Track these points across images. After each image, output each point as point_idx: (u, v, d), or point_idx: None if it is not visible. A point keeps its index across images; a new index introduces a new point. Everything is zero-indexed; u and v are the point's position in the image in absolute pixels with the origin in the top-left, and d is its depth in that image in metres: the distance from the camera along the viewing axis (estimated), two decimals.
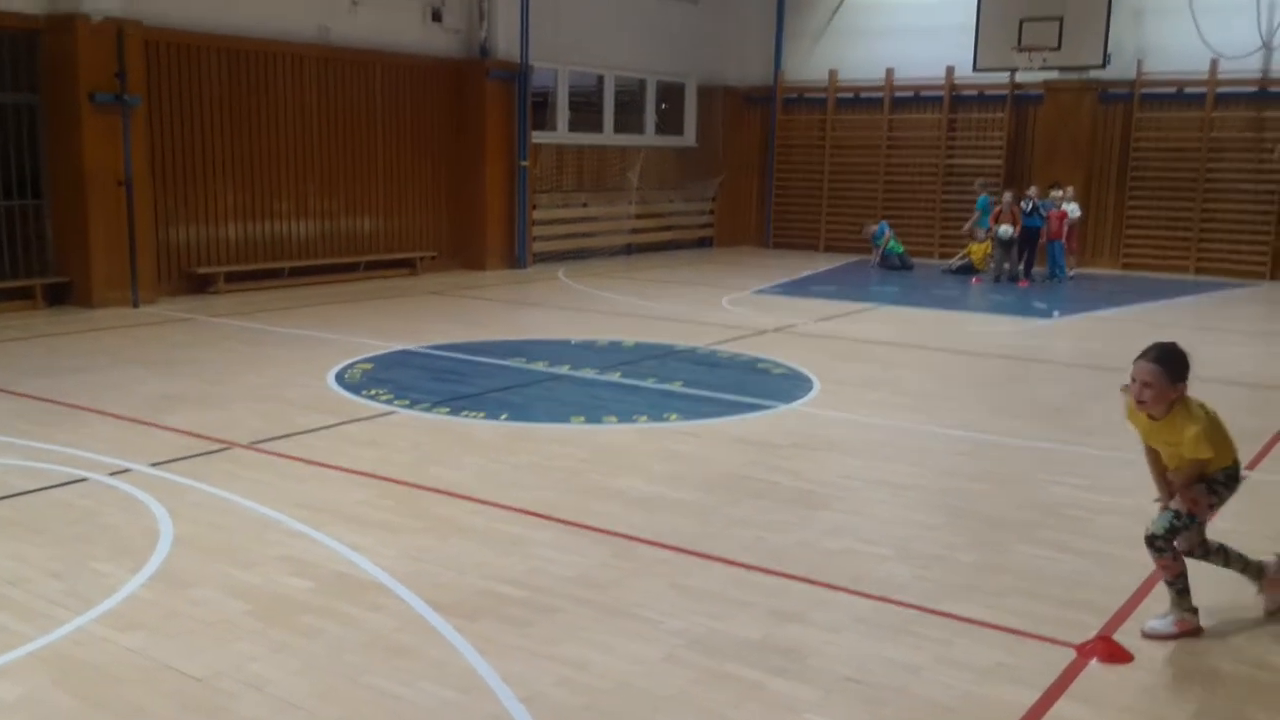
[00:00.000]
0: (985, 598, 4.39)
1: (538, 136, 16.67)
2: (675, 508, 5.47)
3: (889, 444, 6.84)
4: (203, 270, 12.87)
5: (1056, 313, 12.82)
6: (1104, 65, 16.69)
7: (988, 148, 18.28)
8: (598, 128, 18.24)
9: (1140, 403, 4.00)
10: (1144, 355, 4.01)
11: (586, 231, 17.82)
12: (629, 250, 18.43)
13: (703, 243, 20.30)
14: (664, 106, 19.63)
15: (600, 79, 18.24)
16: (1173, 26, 16.45)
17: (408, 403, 7.58)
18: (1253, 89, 16.22)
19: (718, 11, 19.88)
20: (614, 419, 7.24)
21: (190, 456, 6.18)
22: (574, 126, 17.77)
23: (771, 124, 20.08)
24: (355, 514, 5.27)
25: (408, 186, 15.35)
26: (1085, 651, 3.91)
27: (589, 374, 8.69)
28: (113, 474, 5.80)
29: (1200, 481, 4.07)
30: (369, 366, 8.83)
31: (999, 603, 4.34)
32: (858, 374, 8.89)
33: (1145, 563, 4.52)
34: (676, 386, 8.25)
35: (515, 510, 5.37)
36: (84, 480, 5.70)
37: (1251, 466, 6.34)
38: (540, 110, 17.01)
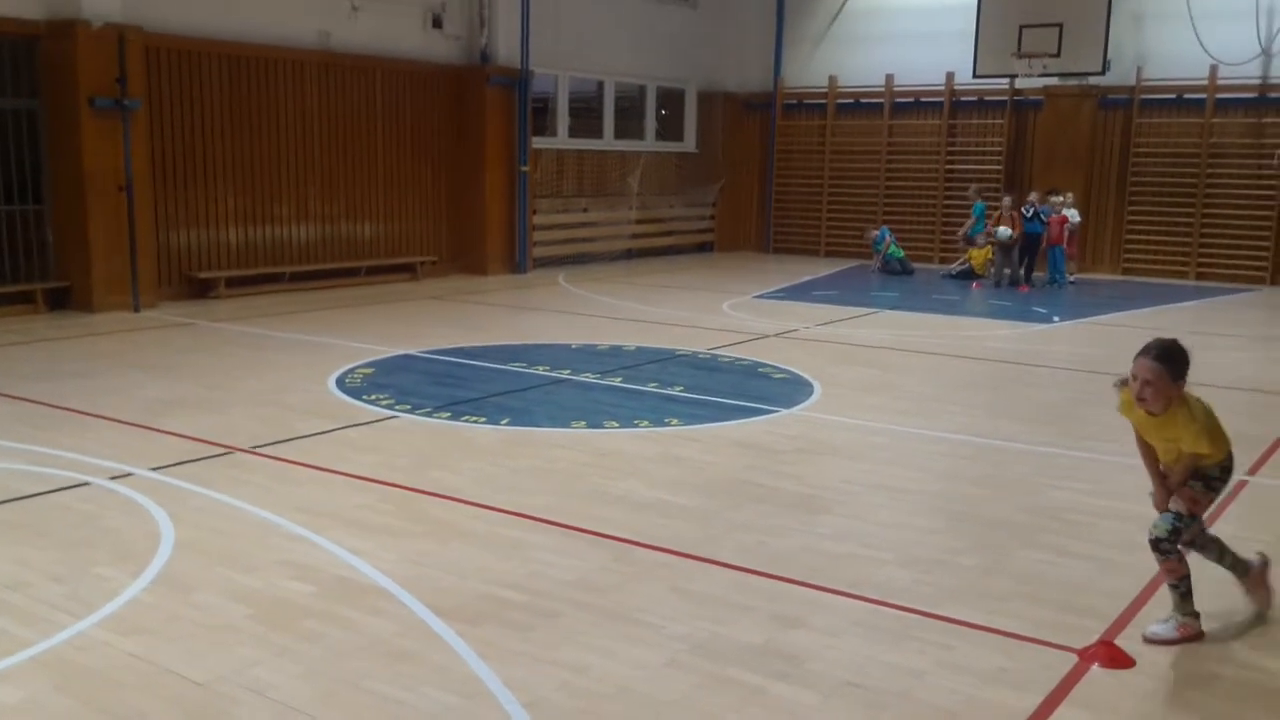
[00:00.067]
0: (986, 602, 4.39)
1: (538, 142, 16.69)
2: (676, 512, 5.47)
3: (890, 448, 6.84)
4: (203, 275, 12.88)
5: (1057, 317, 12.82)
6: (1104, 71, 16.70)
7: (987, 153, 18.30)
8: (598, 133, 18.26)
9: (1140, 400, 4.00)
10: (1145, 352, 4.00)
11: (587, 236, 17.84)
12: (629, 255, 18.44)
13: (703, 248, 20.32)
14: (664, 112, 19.66)
15: (600, 85, 18.26)
16: (1172, 33, 16.46)
17: (408, 407, 7.58)
18: (1252, 95, 16.23)
19: (717, 17, 19.91)
20: (615, 424, 7.24)
21: (191, 461, 6.18)
22: (574, 132, 17.79)
23: (771, 129, 20.10)
24: (356, 518, 5.27)
25: (408, 192, 15.37)
26: (1087, 656, 3.91)
27: (589, 378, 8.69)
28: (114, 478, 5.80)
29: (1198, 480, 4.08)
30: (370, 371, 8.83)
31: (1000, 607, 4.34)
32: (858, 378, 8.90)
33: (1146, 568, 4.52)
34: (677, 391, 8.25)
35: (516, 515, 5.37)
36: (85, 484, 5.70)
37: (1252, 471, 6.35)
38: (540, 116, 17.03)
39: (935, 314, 12.96)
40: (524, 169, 16.10)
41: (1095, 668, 3.84)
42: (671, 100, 19.82)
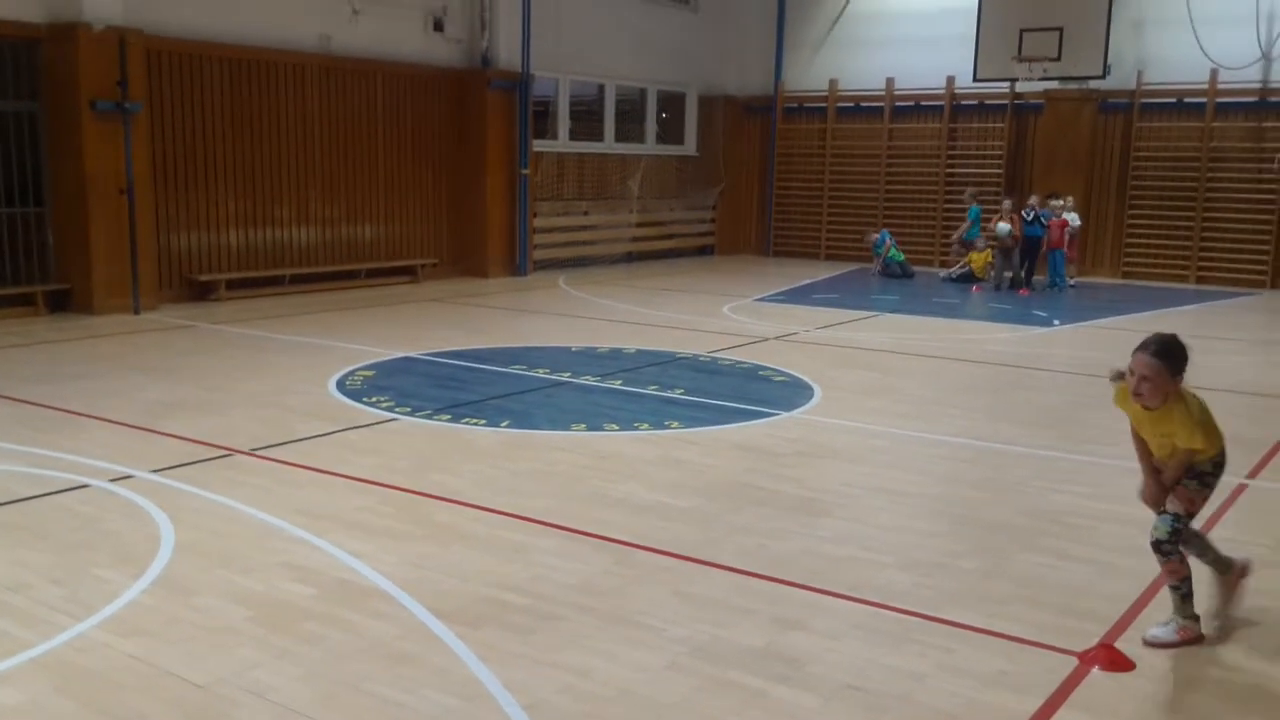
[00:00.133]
0: (987, 605, 4.39)
1: (539, 145, 16.71)
2: (676, 515, 5.47)
3: (890, 451, 6.84)
4: (204, 277, 12.88)
5: (1057, 321, 12.82)
6: (1104, 76, 16.72)
7: (988, 157, 18.31)
8: (599, 137, 18.28)
9: (1137, 395, 4.00)
10: (1144, 348, 3.99)
11: (587, 239, 17.85)
12: (630, 258, 18.44)
13: (703, 251, 20.32)
14: (664, 116, 19.68)
15: (601, 88, 18.28)
16: (1173, 37, 16.48)
17: (409, 410, 7.59)
18: (1253, 99, 16.25)
19: (718, 21, 19.93)
20: (615, 426, 7.24)
21: (191, 463, 6.18)
22: (575, 135, 17.81)
23: (772, 133, 20.11)
24: (356, 521, 5.27)
25: (409, 194, 15.38)
26: (1087, 659, 3.91)
27: (590, 381, 8.70)
28: (114, 480, 5.81)
29: (1193, 478, 4.09)
30: (370, 373, 8.83)
31: (1000, 610, 4.34)
32: (859, 381, 8.90)
33: (1146, 571, 4.53)
34: (677, 394, 8.25)
35: (516, 517, 5.37)
36: (85, 486, 5.70)
37: (1252, 475, 6.35)
38: (541, 119, 17.04)
39: (935, 317, 12.96)
40: (525, 172, 16.11)
41: (1096, 671, 3.84)
42: (672, 103, 19.83)
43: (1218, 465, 4.13)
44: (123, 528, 5.11)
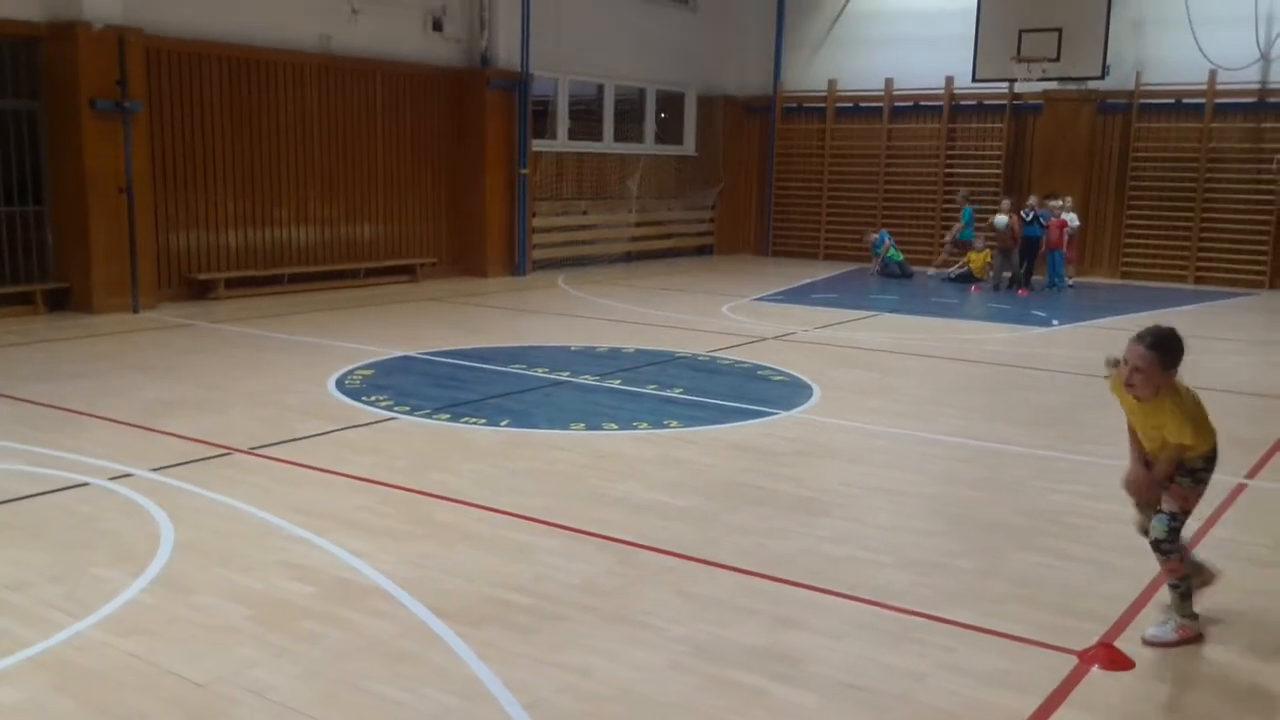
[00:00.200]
0: (985, 605, 4.40)
1: (538, 145, 16.70)
2: (675, 514, 5.47)
3: (889, 451, 6.84)
4: (203, 276, 12.88)
5: (1055, 321, 12.83)
6: (1103, 76, 16.73)
7: (987, 157, 18.32)
8: (598, 136, 18.27)
9: (1129, 385, 4.00)
10: (1139, 339, 3.99)
11: (586, 239, 17.85)
12: (629, 258, 18.44)
13: (702, 250, 20.32)
14: (664, 115, 19.68)
15: (600, 88, 18.28)
16: (1172, 38, 16.49)
17: (408, 409, 7.59)
18: (1251, 100, 16.26)
19: (717, 21, 19.93)
20: (614, 426, 7.25)
21: (191, 462, 6.18)
22: (574, 135, 17.80)
23: (771, 133, 20.11)
24: (356, 519, 5.27)
25: (408, 194, 15.38)
26: (1086, 658, 3.91)
27: (589, 380, 8.70)
28: (113, 479, 5.80)
29: (1186, 476, 4.09)
30: (369, 373, 8.83)
31: (999, 610, 4.35)
32: (857, 381, 8.90)
33: (1145, 570, 4.54)
34: (676, 393, 8.26)
35: (515, 516, 5.37)
36: (84, 485, 5.70)
37: (1251, 475, 6.36)
38: (540, 119, 17.04)
39: (934, 317, 12.97)
40: (524, 171, 16.10)
41: (1095, 670, 3.85)
42: (671, 103, 19.83)
43: (1209, 461, 4.12)
44: (122, 526, 5.11)
